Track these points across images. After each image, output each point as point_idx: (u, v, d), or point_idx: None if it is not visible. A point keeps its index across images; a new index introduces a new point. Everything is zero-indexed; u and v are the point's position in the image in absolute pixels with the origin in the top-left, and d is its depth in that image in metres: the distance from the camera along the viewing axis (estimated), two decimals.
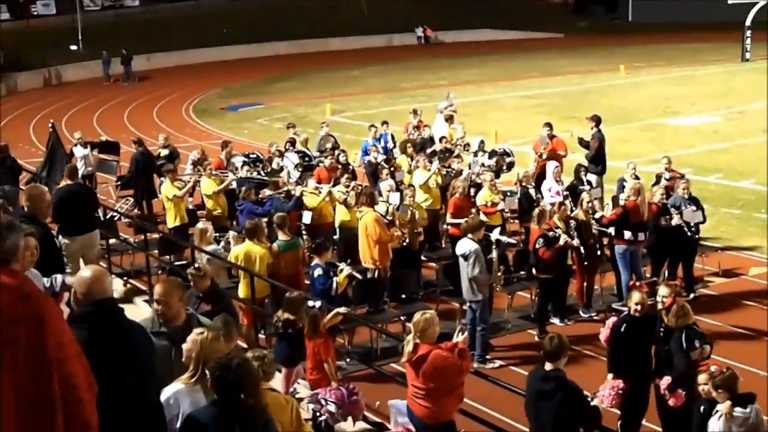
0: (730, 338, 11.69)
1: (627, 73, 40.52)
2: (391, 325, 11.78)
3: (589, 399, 7.26)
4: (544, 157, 16.77)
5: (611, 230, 12.87)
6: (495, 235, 11.80)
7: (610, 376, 8.80)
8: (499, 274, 11.73)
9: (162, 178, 16.02)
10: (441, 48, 59.04)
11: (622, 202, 13.35)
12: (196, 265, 9.36)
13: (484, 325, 11.26)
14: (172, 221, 14.92)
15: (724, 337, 11.65)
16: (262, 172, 16.11)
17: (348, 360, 10.95)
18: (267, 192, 14.62)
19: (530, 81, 40.02)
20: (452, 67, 46.77)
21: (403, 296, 12.60)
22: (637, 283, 11.21)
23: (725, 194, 19.25)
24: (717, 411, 7.21)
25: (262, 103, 36.62)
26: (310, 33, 58.72)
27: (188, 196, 15.55)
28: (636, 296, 8.88)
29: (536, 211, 12.56)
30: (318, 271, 10.85)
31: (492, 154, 17.20)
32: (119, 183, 19.21)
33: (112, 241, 14.36)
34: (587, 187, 14.89)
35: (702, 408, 7.47)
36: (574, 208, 13.32)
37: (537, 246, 12.07)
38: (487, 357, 11.31)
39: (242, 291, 11.35)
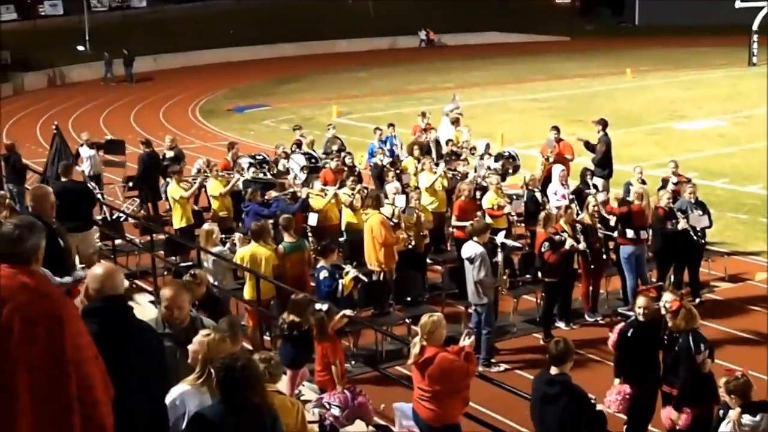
0: (735, 343, 11.67)
1: (633, 76, 40.48)
2: (396, 328, 11.78)
3: (594, 403, 7.25)
4: (551, 160, 16.76)
5: (614, 222, 12.90)
6: (500, 238, 11.81)
7: (616, 381, 8.79)
8: (504, 277, 11.73)
9: (168, 179, 16.04)
10: (447, 50, 59.04)
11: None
12: (192, 272, 9.29)
13: (490, 328, 11.25)
14: (178, 222, 14.92)
15: (730, 342, 11.65)
16: (268, 174, 16.12)
17: (353, 362, 10.94)
18: (273, 193, 14.63)
19: (536, 84, 40.00)
20: (458, 69, 46.76)
21: (409, 299, 12.60)
22: (642, 287, 11.19)
23: (731, 199, 19.22)
24: (727, 416, 7.20)
25: (268, 105, 36.66)
26: (317, 35, 58.76)
27: (192, 199, 15.54)
28: (641, 300, 8.86)
29: (542, 214, 12.56)
30: (324, 273, 10.86)
31: (498, 157, 17.20)
32: (126, 184, 19.24)
33: (118, 241, 14.40)
34: (593, 191, 14.87)
35: (721, 412, 7.45)
36: (580, 212, 13.31)
37: (542, 249, 12.06)
38: (493, 360, 11.30)
39: (248, 292, 11.36)
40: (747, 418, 7.09)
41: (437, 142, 19.06)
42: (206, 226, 12.37)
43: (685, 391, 8.25)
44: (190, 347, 5.76)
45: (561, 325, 12.51)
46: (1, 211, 10.01)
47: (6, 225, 4.40)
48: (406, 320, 11.69)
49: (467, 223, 12.19)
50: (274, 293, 11.23)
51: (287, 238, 11.74)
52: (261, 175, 15.85)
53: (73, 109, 36.21)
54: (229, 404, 4.98)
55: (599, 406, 7.39)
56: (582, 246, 12.33)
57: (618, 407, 8.56)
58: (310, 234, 14.42)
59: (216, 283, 11.47)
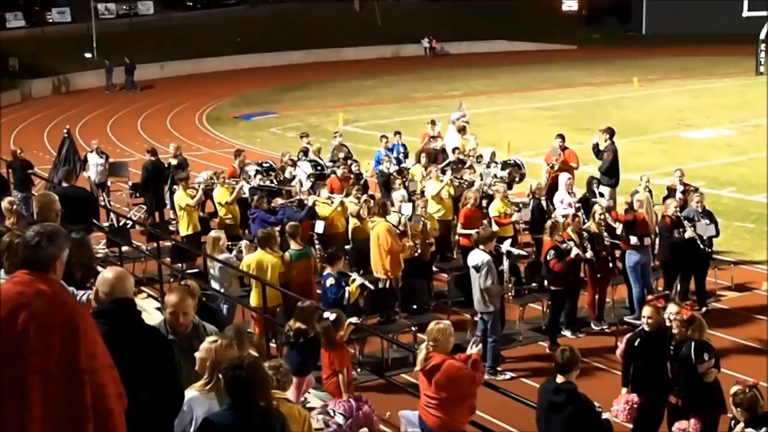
0: (741, 352, 11.64)
1: (640, 85, 40.48)
2: (403, 336, 11.77)
3: (600, 411, 7.24)
4: (556, 168, 16.76)
5: (619, 229, 12.91)
6: (506, 246, 11.79)
7: (624, 390, 8.77)
8: (510, 285, 11.72)
9: (175, 186, 16.07)
10: (454, 58, 59.15)
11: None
12: (185, 282, 9.23)
13: (496, 336, 11.24)
14: (184, 229, 14.95)
15: (736, 351, 11.62)
16: (274, 181, 16.15)
17: (359, 370, 10.94)
18: (279, 201, 14.66)
19: (543, 92, 40.03)
20: (465, 77, 46.82)
21: (415, 307, 12.60)
22: (649, 297, 11.17)
23: (738, 208, 19.18)
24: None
25: (275, 112, 36.73)
26: (324, 42, 58.90)
27: (199, 207, 15.57)
28: (647, 310, 8.85)
29: (549, 222, 12.57)
30: (330, 281, 10.87)
31: (505, 165, 17.20)
32: (132, 191, 19.28)
33: (124, 248, 14.42)
34: (600, 200, 14.87)
35: (732, 423, 7.42)
36: (586, 221, 13.32)
37: (548, 258, 12.06)
38: (498, 369, 11.28)
39: (254, 300, 11.37)
40: None
41: (443, 150, 19.08)
42: (213, 234, 12.38)
43: (686, 400, 8.25)
44: (197, 354, 5.78)
45: (567, 333, 12.49)
46: (9, 217, 10.03)
47: (28, 232, 4.41)
48: (412, 328, 11.69)
49: (472, 231, 12.20)
50: (281, 300, 11.25)
51: (294, 246, 11.75)
52: (267, 183, 15.88)
53: (80, 116, 36.33)
54: (236, 408, 5.00)
55: (605, 415, 7.38)
56: (588, 254, 12.33)
57: (626, 417, 8.54)
58: (316, 241, 14.44)
59: (222, 290, 11.51)
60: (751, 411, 7.11)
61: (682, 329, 8.49)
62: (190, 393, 5.54)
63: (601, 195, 15.61)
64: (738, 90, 38.35)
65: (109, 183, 19.58)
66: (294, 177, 16.74)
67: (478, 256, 11.04)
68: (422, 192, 15.48)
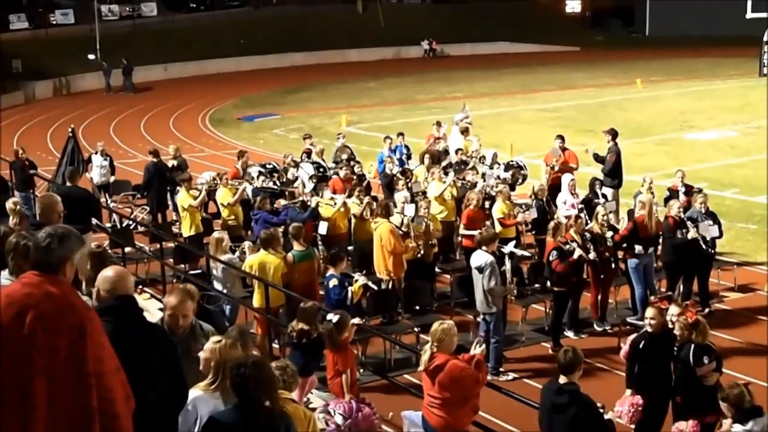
0: (744, 353, 11.63)
1: (643, 86, 40.43)
2: (405, 337, 11.78)
3: (603, 412, 7.24)
4: (556, 169, 16.78)
5: (624, 245, 12.90)
6: (509, 248, 11.79)
7: (628, 391, 8.77)
8: (512, 286, 11.72)
9: (178, 188, 16.10)
10: (455, 60, 59.12)
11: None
12: (183, 287, 9.20)
13: (498, 337, 11.24)
14: (187, 230, 14.98)
15: (739, 352, 11.61)
16: (277, 182, 16.17)
17: (362, 371, 10.94)
18: (282, 202, 14.67)
19: (546, 94, 40.00)
20: (468, 79, 46.80)
21: (417, 308, 12.62)
22: (652, 298, 11.19)
23: (741, 209, 19.17)
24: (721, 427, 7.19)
25: (278, 114, 36.73)
26: (327, 44, 58.93)
27: (202, 208, 15.59)
28: (649, 312, 8.85)
29: (552, 223, 12.57)
30: (333, 282, 10.88)
31: (508, 167, 17.21)
32: (135, 193, 19.31)
33: (127, 249, 14.44)
34: (602, 201, 14.87)
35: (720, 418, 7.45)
36: (589, 222, 13.32)
37: (551, 258, 12.06)
38: (501, 369, 11.28)
39: (257, 300, 11.38)
40: (737, 428, 7.04)
41: (446, 152, 19.08)
42: (216, 234, 12.40)
43: (685, 402, 8.26)
44: (202, 354, 5.79)
45: (570, 334, 12.49)
46: (12, 217, 10.06)
47: (40, 233, 4.39)
48: (415, 329, 11.70)
49: (475, 232, 12.20)
50: (283, 301, 11.26)
51: (296, 247, 11.77)
52: (270, 184, 15.90)
53: (84, 118, 36.33)
54: (242, 407, 5.01)
55: (608, 416, 7.37)
56: (591, 255, 12.33)
57: (630, 419, 8.54)
58: (319, 242, 14.45)
59: (225, 291, 11.52)
60: (737, 407, 7.11)
61: (684, 332, 8.51)
62: (195, 392, 5.55)
63: (604, 196, 15.61)
64: (741, 92, 38.29)
65: (111, 180, 19.58)
66: (297, 178, 16.77)
67: (480, 257, 11.04)
68: (425, 193, 15.49)
